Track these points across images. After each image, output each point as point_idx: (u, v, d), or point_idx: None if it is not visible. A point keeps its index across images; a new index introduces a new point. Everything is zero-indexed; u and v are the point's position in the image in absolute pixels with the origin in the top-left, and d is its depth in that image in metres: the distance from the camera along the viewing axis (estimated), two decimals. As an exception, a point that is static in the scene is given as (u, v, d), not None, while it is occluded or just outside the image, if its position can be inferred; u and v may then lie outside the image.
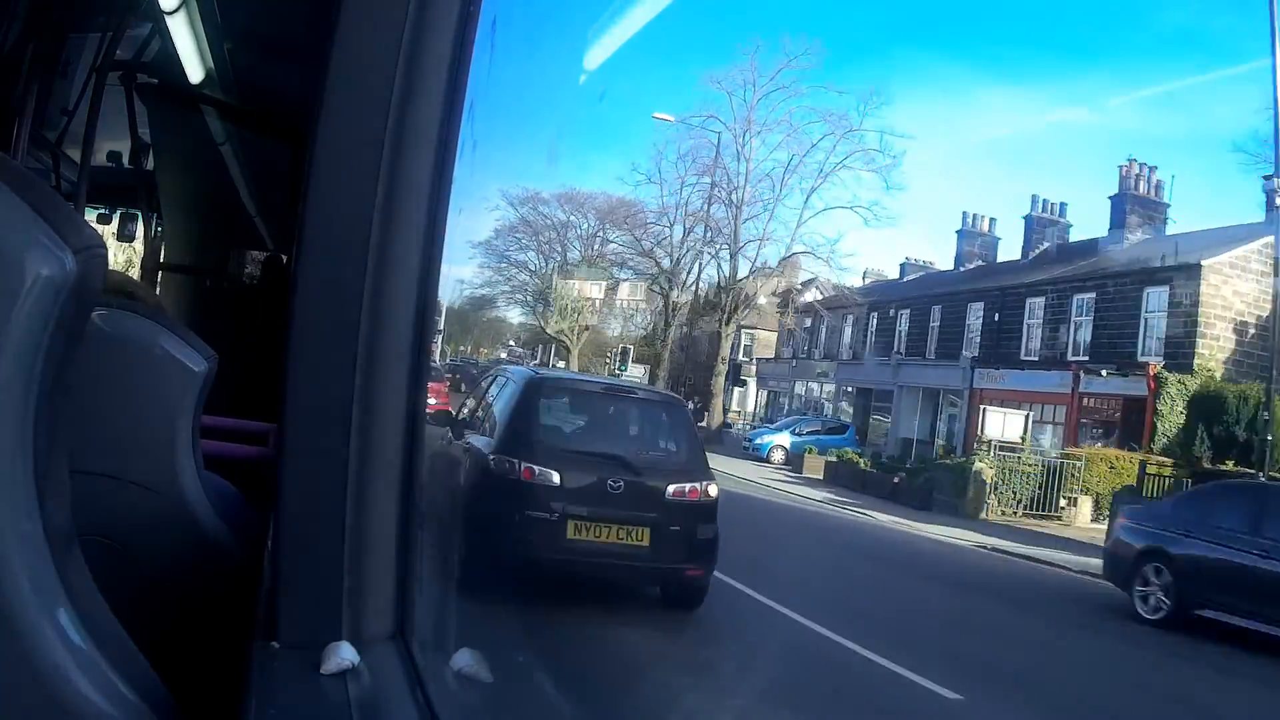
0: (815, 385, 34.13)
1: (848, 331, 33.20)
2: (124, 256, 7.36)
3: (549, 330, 38.15)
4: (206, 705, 0.94)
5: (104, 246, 0.83)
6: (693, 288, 36.21)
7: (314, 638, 0.94)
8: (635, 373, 34.28)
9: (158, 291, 4.54)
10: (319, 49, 0.98)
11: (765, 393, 37.98)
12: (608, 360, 37.96)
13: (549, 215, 39.69)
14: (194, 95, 4.00)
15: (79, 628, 0.78)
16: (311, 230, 0.96)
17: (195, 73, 3.79)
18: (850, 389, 31.55)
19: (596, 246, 39.48)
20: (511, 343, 47.62)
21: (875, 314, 31.39)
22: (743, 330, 37.34)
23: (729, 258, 33.39)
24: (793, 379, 34.90)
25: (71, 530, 0.85)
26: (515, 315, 45.58)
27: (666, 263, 35.79)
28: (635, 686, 5.64)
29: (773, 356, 37.75)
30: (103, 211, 5.82)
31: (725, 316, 33.24)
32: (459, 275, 38.04)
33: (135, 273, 5.34)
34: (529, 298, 41.50)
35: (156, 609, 1.11)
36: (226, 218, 4.85)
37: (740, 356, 37.09)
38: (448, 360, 41.55)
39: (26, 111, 3.57)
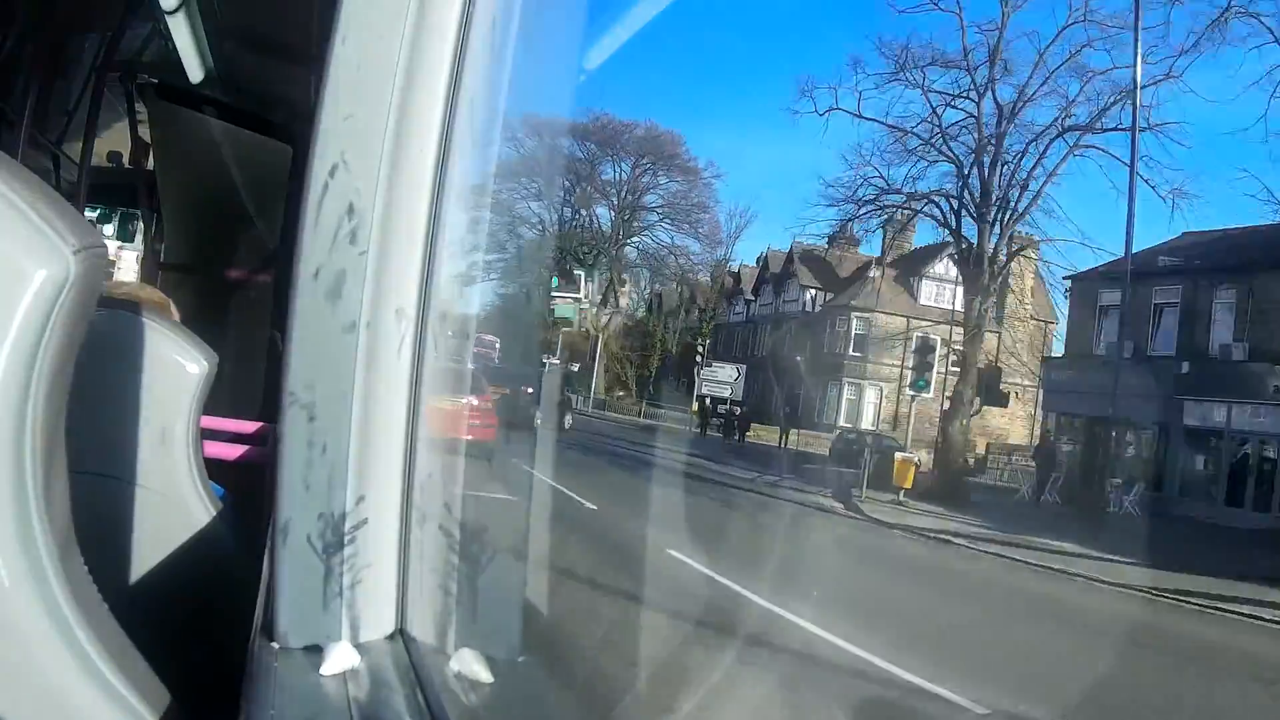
0: (1261, 412, 16.41)
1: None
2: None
3: (564, 315, 29.09)
4: (206, 705, 0.94)
5: (104, 246, 0.83)
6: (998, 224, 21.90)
7: (314, 638, 0.94)
8: (726, 377, 28.06)
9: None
10: (319, 49, 0.98)
11: (1054, 416, 24.01)
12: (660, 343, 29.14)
13: (569, 152, 29.98)
14: (194, 95, 4.00)
15: (79, 628, 0.78)
16: (311, 230, 0.96)
17: (195, 73, 3.80)
18: None
19: (634, 196, 29.90)
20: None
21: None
22: (853, 313, 26.16)
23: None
24: (1181, 398, 17.23)
25: (71, 530, 0.85)
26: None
27: (975, 182, 22.04)
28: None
29: (1064, 355, 23.29)
30: (103, 211, 5.83)
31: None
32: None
33: (134, 273, 5.34)
34: (541, 268, 34.07)
35: (156, 609, 1.11)
36: (226, 218, 4.84)
37: (851, 351, 26.49)
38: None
39: (26, 112, 3.57)
